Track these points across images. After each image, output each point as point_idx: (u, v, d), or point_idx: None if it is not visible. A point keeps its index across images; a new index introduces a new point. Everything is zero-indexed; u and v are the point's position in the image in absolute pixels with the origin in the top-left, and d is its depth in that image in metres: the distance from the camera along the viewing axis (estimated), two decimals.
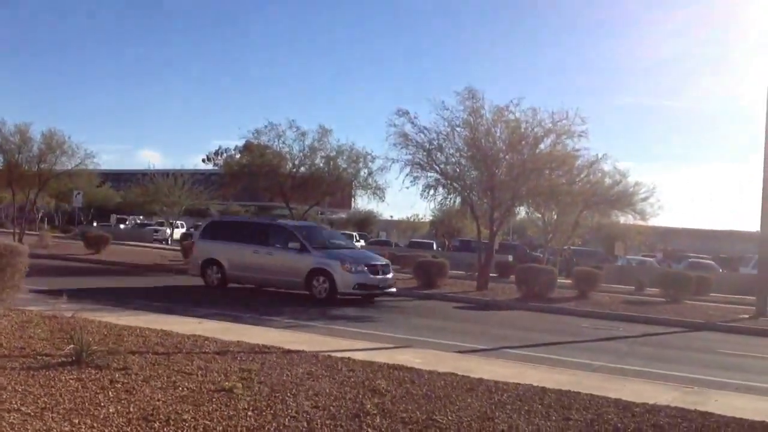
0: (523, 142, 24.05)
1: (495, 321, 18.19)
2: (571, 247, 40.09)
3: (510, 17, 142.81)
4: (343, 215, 75.89)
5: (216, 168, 70.10)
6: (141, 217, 65.85)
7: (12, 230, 38.28)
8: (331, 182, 36.29)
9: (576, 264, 32.28)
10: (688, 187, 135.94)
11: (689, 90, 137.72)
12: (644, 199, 33.31)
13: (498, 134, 24.41)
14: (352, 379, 8.15)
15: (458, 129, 24.71)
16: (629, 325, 18.75)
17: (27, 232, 37.75)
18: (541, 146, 24.29)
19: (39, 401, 6.14)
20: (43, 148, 34.22)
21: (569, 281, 26.98)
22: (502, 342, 13.92)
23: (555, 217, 34.00)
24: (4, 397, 6.16)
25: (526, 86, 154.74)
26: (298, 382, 7.79)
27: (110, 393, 6.64)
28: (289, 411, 6.53)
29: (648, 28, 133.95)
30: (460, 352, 11.78)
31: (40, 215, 50.82)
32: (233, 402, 6.67)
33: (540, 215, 34.54)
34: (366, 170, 35.84)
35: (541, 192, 25.32)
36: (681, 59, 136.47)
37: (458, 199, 26.80)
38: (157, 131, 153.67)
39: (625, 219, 35.68)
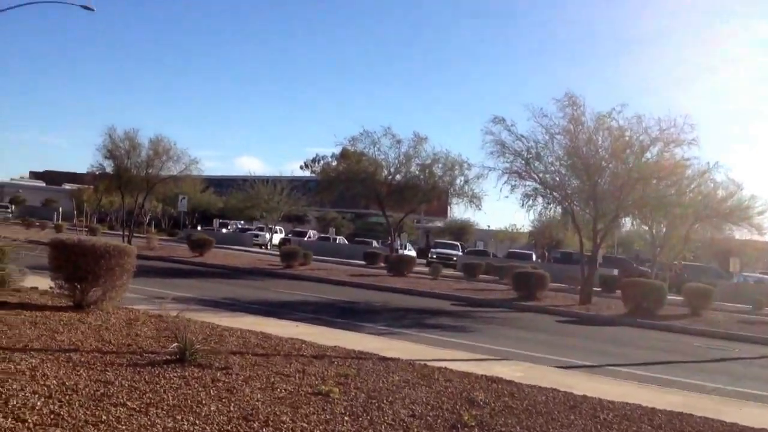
0: (628, 151, 23.20)
1: (599, 336, 17.61)
2: (682, 262, 38.51)
3: (607, 21, 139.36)
4: (439, 224, 75.67)
5: (313, 175, 71.58)
6: (242, 222, 67.58)
7: (121, 233, 40.00)
8: (426, 190, 36.27)
9: (687, 280, 30.94)
10: None
11: None
12: (761, 213, 31.53)
13: (600, 142, 23.66)
14: (450, 390, 8.00)
15: (557, 137, 24.13)
16: (746, 345, 17.77)
17: (135, 234, 39.34)
18: (648, 155, 23.38)
19: (144, 397, 6.28)
20: (151, 153, 35.55)
21: (680, 298, 25.80)
22: (606, 359, 13.40)
23: (664, 229, 32.72)
24: (112, 391, 6.34)
25: (630, 93, 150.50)
26: (395, 389, 7.71)
27: (212, 391, 6.75)
28: (386, 418, 6.46)
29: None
30: (561, 367, 11.42)
31: (147, 219, 52.85)
32: (330, 406, 6.65)
33: (647, 227, 33.27)
34: (462, 178, 35.70)
35: (648, 203, 24.36)
36: None
37: (558, 209, 26.20)
38: (256, 139, 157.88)
39: (741, 233, 33.84)
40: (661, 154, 23.27)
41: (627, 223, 32.44)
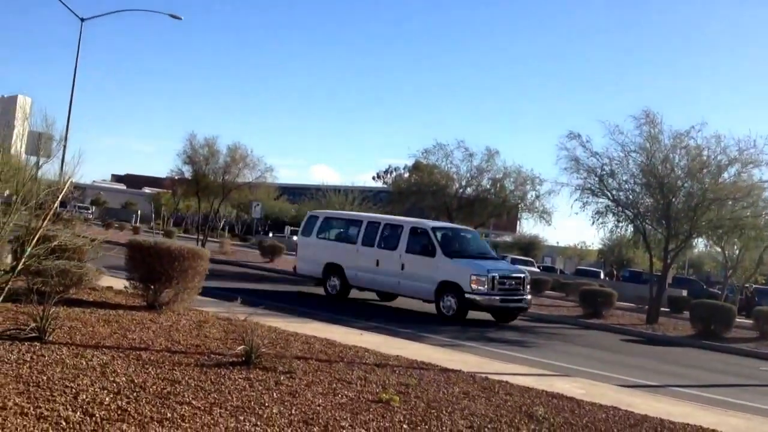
0: (705, 170, 22.65)
1: (664, 357, 17.22)
2: (753, 286, 37.36)
3: (685, 39, 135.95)
4: (508, 238, 74.95)
5: (385, 186, 71.93)
6: None
7: (196, 236, 41.05)
8: (497, 204, 36.09)
9: (758, 303, 29.97)
10: None
11: None
12: None
13: (676, 161, 23.17)
14: (509, 403, 8.00)
15: (633, 154, 23.73)
16: None
17: (209, 239, 40.32)
18: (725, 175, 22.79)
19: (209, 397, 6.50)
20: (228, 160, 36.44)
21: (749, 321, 25.07)
22: (670, 379, 13.14)
23: (737, 252, 31.77)
24: (178, 390, 6.58)
25: (708, 111, 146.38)
26: (454, 401, 7.76)
27: (275, 394, 6.92)
28: (444, 428, 6.52)
29: None
30: (624, 386, 11.23)
31: (221, 224, 54.10)
32: (389, 414, 6.74)
33: (720, 249, 32.40)
34: (533, 193, 35.38)
35: (723, 224, 23.70)
36: None
37: (630, 228, 25.72)
38: (331, 148, 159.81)
39: None
40: (739, 175, 22.67)
41: (699, 244, 31.64)
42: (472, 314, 18.73)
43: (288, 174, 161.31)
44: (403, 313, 19.41)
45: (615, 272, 56.04)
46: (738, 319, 23.42)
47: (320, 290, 21.50)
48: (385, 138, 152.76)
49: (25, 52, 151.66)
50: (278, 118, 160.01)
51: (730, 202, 22.98)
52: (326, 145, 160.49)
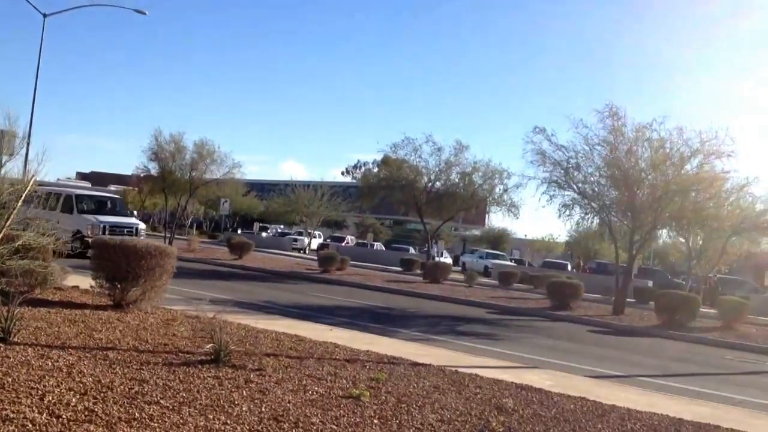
0: (668, 162, 22.97)
1: (631, 347, 17.47)
2: (717, 275, 38.04)
3: (647, 32, 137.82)
4: (476, 232, 75.52)
5: (354, 181, 71.93)
6: (282, 226, 68.14)
7: (163, 234, 40.68)
8: (465, 198, 36.36)
9: (721, 293, 30.54)
10: None
11: None
12: None
13: (640, 153, 23.47)
14: (479, 396, 8.07)
15: (598, 147, 24.00)
16: None
17: (176, 236, 39.96)
18: (687, 167, 23.13)
19: (178, 396, 6.45)
20: (195, 156, 36.11)
21: (713, 311, 25.56)
22: (637, 369, 13.34)
23: (700, 242, 32.33)
24: (146, 389, 6.52)
25: (670, 104, 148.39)
26: (425, 394, 7.80)
27: (244, 392, 6.90)
28: (415, 422, 6.55)
29: None
30: (592, 376, 11.40)
31: (189, 221, 53.56)
32: (360, 409, 6.76)
33: (684, 240, 32.95)
34: (501, 187, 35.76)
35: (686, 215, 24.11)
36: None
37: (596, 220, 26.07)
38: (300, 144, 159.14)
39: None
40: (701, 167, 23.01)
41: (664, 235, 32.19)
42: (444, 307, 18.78)
43: (256, 170, 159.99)
44: (375, 309, 19.43)
45: (581, 264, 56.77)
46: (702, 309, 23.82)
47: (299, 287, 21.40)
48: (354, 133, 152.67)
49: None
50: (246, 114, 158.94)
51: (693, 194, 23.35)
52: (295, 140, 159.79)
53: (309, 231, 56.66)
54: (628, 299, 26.10)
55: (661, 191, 22.91)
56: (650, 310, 25.17)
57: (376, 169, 45.27)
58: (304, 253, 52.05)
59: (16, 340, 7.81)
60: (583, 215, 25.44)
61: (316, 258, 35.34)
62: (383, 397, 7.38)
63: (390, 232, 74.25)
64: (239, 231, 62.77)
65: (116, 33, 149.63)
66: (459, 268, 49.22)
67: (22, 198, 9.33)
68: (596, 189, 24.77)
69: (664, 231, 29.12)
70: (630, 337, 19.63)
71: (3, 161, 10.69)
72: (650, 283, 36.50)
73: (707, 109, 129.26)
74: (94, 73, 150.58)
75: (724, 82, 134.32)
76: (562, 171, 24.59)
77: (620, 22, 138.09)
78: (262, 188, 75.63)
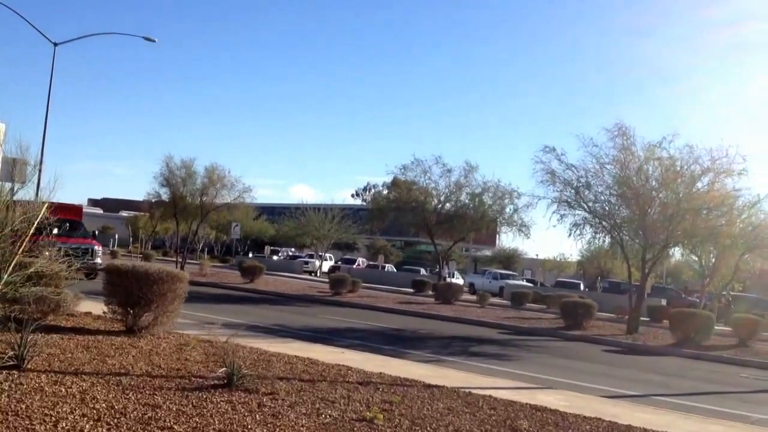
0: (679, 181, 22.94)
1: (645, 366, 17.32)
2: (731, 293, 37.75)
3: (660, 53, 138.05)
4: (487, 252, 75.31)
5: (364, 203, 72.01)
6: (293, 249, 68.22)
7: (175, 259, 40.75)
8: (476, 219, 36.29)
9: (735, 311, 30.28)
10: None
11: None
12: None
13: (650, 172, 23.47)
14: (494, 418, 8.01)
15: (608, 166, 23.99)
16: None
17: (188, 261, 40.03)
18: (698, 185, 23.09)
19: (191, 421, 6.44)
20: (206, 181, 36.26)
21: (728, 329, 25.34)
22: (652, 389, 13.22)
23: (713, 260, 32.12)
24: (160, 415, 6.51)
25: (680, 123, 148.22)
26: (439, 417, 7.75)
27: (257, 416, 6.87)
28: None
29: None
30: (607, 396, 11.29)
31: (200, 245, 53.77)
32: None
33: (697, 258, 32.74)
34: (511, 207, 35.69)
35: (698, 233, 23.96)
36: None
37: (607, 239, 25.98)
38: (309, 167, 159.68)
39: None
40: (712, 185, 22.96)
41: (676, 253, 31.99)
42: (456, 328, 18.67)
43: (267, 194, 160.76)
44: (387, 330, 19.37)
45: (598, 283, 56.17)
46: (717, 327, 23.64)
47: (311, 310, 21.29)
48: (363, 155, 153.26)
49: None
50: (256, 138, 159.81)
51: (704, 212, 23.26)
52: (304, 164, 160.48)
53: (320, 254, 56.68)
54: (641, 318, 25.93)
55: (673, 209, 22.86)
56: (664, 328, 25.02)
57: (385, 191, 45.26)
58: (316, 275, 52.01)
59: (29, 366, 7.82)
60: (594, 234, 25.39)
61: (327, 280, 35.29)
62: (397, 420, 7.33)
63: (401, 254, 74.17)
64: (250, 254, 62.82)
65: (127, 60, 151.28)
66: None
67: (34, 225, 9.40)
68: (607, 208, 24.71)
69: (677, 249, 28.91)
70: (645, 356, 19.49)
71: (15, 189, 10.77)
72: (664, 302, 36.26)
73: (717, 125, 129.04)
74: (106, 100, 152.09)
75: (735, 97, 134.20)
76: (573, 190, 24.56)
77: (629, 39, 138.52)
78: (272, 212, 75.82)
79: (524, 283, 49.15)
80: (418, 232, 45.47)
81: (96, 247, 27.08)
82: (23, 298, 10.13)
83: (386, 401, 8.20)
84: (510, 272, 55.60)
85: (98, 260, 24.84)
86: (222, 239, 68.83)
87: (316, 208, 56.81)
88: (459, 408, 8.33)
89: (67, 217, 23.46)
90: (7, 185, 11.10)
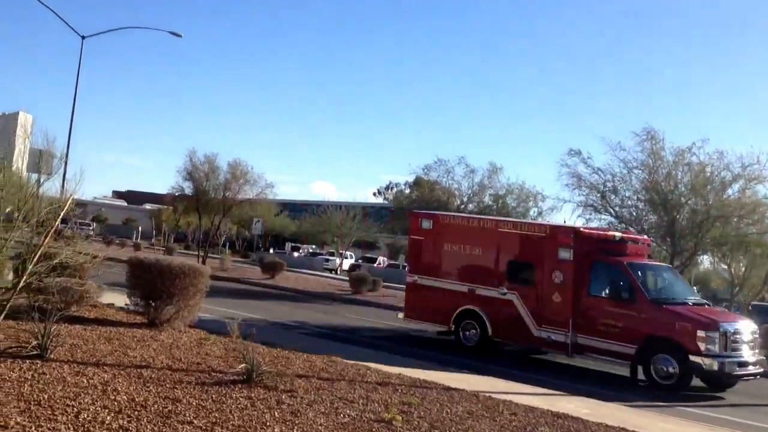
0: (708, 187, 22.63)
1: None
2: (762, 303, 37.21)
3: (689, 56, 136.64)
4: None
5: (386, 202, 71.91)
6: (313, 246, 68.31)
7: (196, 253, 40.94)
8: None
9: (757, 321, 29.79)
10: None
11: None
12: None
13: (680, 177, 23.17)
14: (514, 423, 7.91)
15: (636, 171, 23.73)
16: None
17: (210, 255, 40.20)
18: (729, 192, 22.81)
19: (210, 416, 6.41)
20: (229, 177, 36.37)
21: None
22: (677, 398, 12.96)
23: (743, 269, 31.66)
24: (180, 409, 6.50)
25: (710, 128, 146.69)
26: (458, 420, 7.67)
27: (276, 413, 6.84)
28: None
29: None
30: (630, 405, 11.12)
31: (222, 240, 53.91)
32: None
33: (726, 266, 32.29)
34: (536, 210, 35.37)
35: (728, 241, 23.64)
36: None
37: None
38: (332, 164, 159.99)
39: None
40: (743, 192, 22.64)
41: (705, 261, 31.49)
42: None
43: (288, 190, 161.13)
44: (406, 331, 19.28)
45: None
46: None
47: (331, 308, 21.30)
48: (386, 154, 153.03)
49: (25, 69, 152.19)
50: (278, 134, 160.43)
51: (735, 219, 22.93)
52: (327, 161, 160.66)
53: (340, 251, 56.70)
54: None
55: (702, 216, 22.55)
56: None
57: (408, 191, 45.17)
58: (336, 273, 52.02)
59: (52, 356, 7.85)
60: None
61: (347, 279, 35.25)
62: (416, 422, 7.26)
63: None
64: (271, 250, 62.95)
65: (153, 53, 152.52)
66: None
67: (60, 217, 9.44)
68: (634, 213, 24.44)
69: (706, 257, 28.50)
70: None
71: (41, 181, 10.85)
72: None
73: (746, 132, 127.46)
74: (132, 92, 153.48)
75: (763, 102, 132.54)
76: (599, 194, 24.32)
77: (655, 43, 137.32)
78: (293, 208, 75.96)
79: None
80: None
81: None
82: (47, 289, 10.20)
83: (405, 403, 8.13)
84: None
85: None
86: (243, 235, 69.09)
87: (338, 206, 56.81)
88: (479, 412, 8.24)
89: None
90: (34, 176, 11.20)
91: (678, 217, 23.12)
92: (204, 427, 6.00)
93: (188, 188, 37.31)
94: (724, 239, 23.45)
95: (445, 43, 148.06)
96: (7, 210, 10.28)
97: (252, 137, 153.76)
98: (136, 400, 6.58)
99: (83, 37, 30.72)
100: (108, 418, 5.86)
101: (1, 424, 5.33)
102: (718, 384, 14.23)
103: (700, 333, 13.34)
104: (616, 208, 24.34)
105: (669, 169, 23.13)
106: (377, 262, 56.10)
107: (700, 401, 13.09)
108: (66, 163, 12.46)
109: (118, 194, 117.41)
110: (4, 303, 8.95)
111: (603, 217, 24.59)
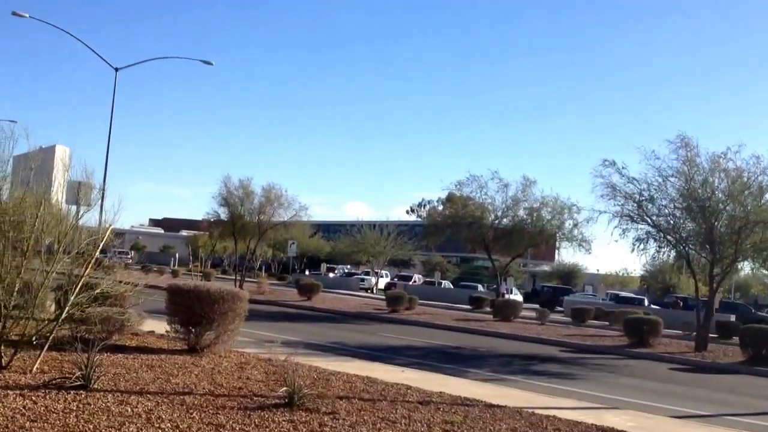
0: (746, 193, 22.23)
1: (716, 385, 16.76)
2: None
3: (719, 61, 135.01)
4: (546, 268, 74.28)
5: (419, 219, 71.90)
6: (349, 266, 68.43)
7: (233, 277, 41.26)
8: (534, 234, 35.87)
9: None
10: None
11: None
12: None
13: (716, 184, 22.79)
14: None
15: (671, 179, 23.39)
16: None
17: (246, 279, 40.50)
18: (767, 197, 22.37)
19: None
20: (263, 200, 36.74)
21: None
22: (724, 408, 12.73)
23: None
24: None
25: (744, 132, 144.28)
26: None
27: None
28: None
29: None
30: (676, 416, 10.92)
31: (258, 263, 54.24)
32: None
33: (767, 272, 31.67)
34: (571, 222, 35.14)
35: None
36: None
37: (672, 253, 25.32)
38: (364, 184, 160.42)
39: None
40: None
41: (745, 267, 30.86)
42: (516, 346, 18.38)
43: (322, 211, 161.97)
44: (445, 348, 19.20)
45: (678, 301, 51.10)
46: None
47: (368, 327, 21.21)
48: (418, 171, 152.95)
49: (61, 102, 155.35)
50: (311, 156, 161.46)
51: None
52: (359, 181, 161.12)
53: (376, 270, 56.70)
54: (710, 334, 25.15)
55: (741, 222, 22.17)
56: (734, 345, 24.24)
57: (441, 207, 45.12)
58: (372, 292, 51.99)
59: (96, 386, 7.94)
60: (658, 249, 24.74)
61: (384, 298, 35.22)
62: None
63: (457, 270, 73.71)
64: (307, 272, 63.17)
65: (185, 82, 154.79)
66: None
67: (99, 247, 9.59)
68: (672, 221, 24.06)
69: (746, 263, 27.90)
70: (714, 374, 18.88)
71: (81, 212, 11.03)
72: (733, 318, 35.11)
73: None
74: (163, 121, 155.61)
75: None
76: (635, 204, 24.00)
77: (686, 51, 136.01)
78: (328, 229, 76.27)
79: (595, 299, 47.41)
80: (474, 248, 45.07)
81: None
82: (89, 319, 10.35)
83: (447, 421, 8.08)
84: (567, 287, 54.49)
85: None
86: (279, 257, 69.47)
87: (372, 225, 56.91)
88: (522, 429, 8.15)
89: None
90: (73, 208, 11.40)
91: (716, 223, 22.74)
92: None
93: (223, 213, 37.81)
94: (764, 244, 22.97)
95: (477, 59, 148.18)
96: (47, 242, 10.47)
97: (285, 160, 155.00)
98: (180, 427, 6.62)
99: (116, 69, 31.39)
100: None
101: None
102: None
103: None
104: (653, 217, 23.99)
105: (705, 175, 22.77)
106: (413, 280, 55.98)
107: (748, 409, 12.82)
108: (103, 194, 12.68)
109: (154, 222, 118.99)
110: (48, 335, 9.12)
111: (640, 226, 24.26)
